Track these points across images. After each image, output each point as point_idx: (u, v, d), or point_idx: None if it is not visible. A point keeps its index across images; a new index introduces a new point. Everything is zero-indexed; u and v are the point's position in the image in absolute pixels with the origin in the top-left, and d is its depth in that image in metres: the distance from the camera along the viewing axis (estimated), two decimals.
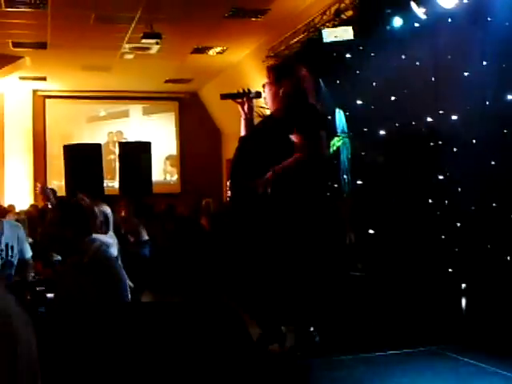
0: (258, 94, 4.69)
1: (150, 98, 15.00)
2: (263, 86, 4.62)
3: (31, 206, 10.60)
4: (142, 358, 2.72)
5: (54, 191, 9.96)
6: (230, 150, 13.42)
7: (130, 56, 11.11)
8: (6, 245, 5.42)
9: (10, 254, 5.42)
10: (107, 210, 5.03)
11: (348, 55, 7.76)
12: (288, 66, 4.61)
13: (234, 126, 4.92)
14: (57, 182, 13.03)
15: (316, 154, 4.28)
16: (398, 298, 5.65)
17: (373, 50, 7.35)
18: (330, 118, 6.98)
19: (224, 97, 4.78)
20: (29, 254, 5.52)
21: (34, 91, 14.30)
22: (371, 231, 6.67)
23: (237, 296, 4.82)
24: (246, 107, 4.67)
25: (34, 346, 1.21)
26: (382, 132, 7.19)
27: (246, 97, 4.65)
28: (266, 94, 4.59)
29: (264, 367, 3.16)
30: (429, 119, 6.63)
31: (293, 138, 4.29)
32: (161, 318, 2.91)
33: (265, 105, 4.83)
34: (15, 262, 5.40)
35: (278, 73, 4.52)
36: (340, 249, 6.69)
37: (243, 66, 11.54)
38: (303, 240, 4.34)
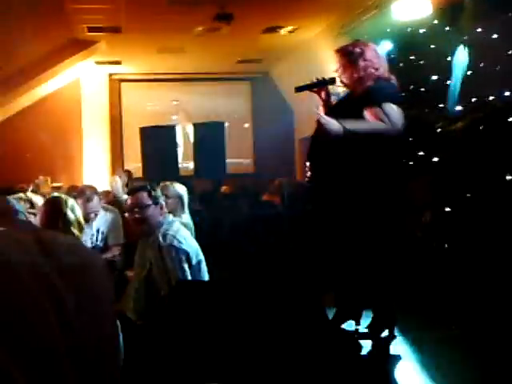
0: (333, 80, 4.69)
1: (223, 79, 15.05)
2: (336, 70, 4.62)
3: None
4: (222, 336, 2.78)
5: (129, 173, 10.18)
6: (302, 129, 13.43)
7: (203, 37, 11.15)
8: (97, 230, 5.59)
9: (99, 238, 5.59)
10: (182, 190, 5.11)
11: (423, 30, 7.62)
12: (357, 45, 4.57)
13: (306, 105, 4.93)
14: (134, 163, 13.30)
15: (388, 128, 4.24)
16: (478, 277, 5.56)
17: (448, 25, 7.19)
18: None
19: (299, 89, 4.80)
20: (114, 241, 5.66)
21: (110, 75, 14.57)
22: (448, 209, 6.54)
23: (317, 275, 4.85)
24: (323, 94, 4.72)
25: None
26: (458, 108, 7.03)
27: (321, 85, 4.69)
28: (339, 75, 4.60)
29: (338, 345, 3.17)
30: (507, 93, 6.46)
31: (366, 114, 4.27)
32: (237, 296, 2.96)
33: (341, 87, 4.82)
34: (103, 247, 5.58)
35: (348, 54, 4.52)
36: (416, 228, 6.61)
37: (315, 44, 11.44)
38: (380, 221, 4.32)
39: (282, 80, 14.54)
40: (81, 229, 3.84)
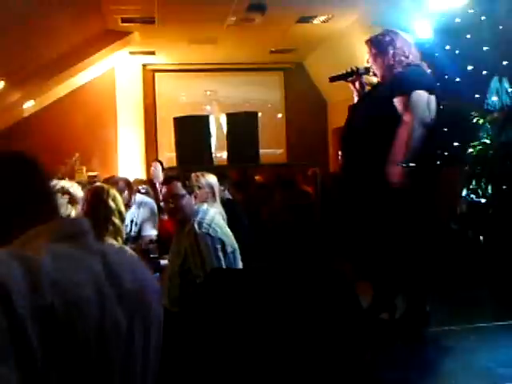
0: (367, 70, 4.73)
1: (256, 69, 15.03)
2: (367, 61, 4.66)
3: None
4: (254, 322, 2.81)
5: (161, 163, 10.28)
6: (335, 119, 13.41)
7: (236, 28, 11.17)
8: (131, 221, 5.65)
9: (133, 229, 5.65)
10: (213, 180, 5.14)
11: (458, 19, 7.53)
12: (387, 34, 4.59)
13: (339, 95, 4.96)
14: (168, 153, 13.38)
15: (417, 116, 4.23)
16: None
17: (484, 14, 7.11)
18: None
19: (333, 79, 4.85)
20: (147, 232, 5.71)
21: (144, 65, 14.66)
22: (483, 200, 6.49)
23: (354, 263, 4.86)
24: (357, 84, 4.75)
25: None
26: (494, 98, 6.95)
27: (354, 75, 4.73)
28: (371, 65, 4.62)
29: (372, 334, 3.18)
30: None
31: (396, 102, 4.28)
32: (270, 283, 2.99)
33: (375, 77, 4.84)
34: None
35: (378, 43, 4.54)
36: (451, 218, 6.57)
37: (348, 34, 11.39)
38: (414, 211, 4.32)
39: (315, 70, 14.51)
40: (122, 219, 3.90)
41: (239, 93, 14.97)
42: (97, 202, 3.77)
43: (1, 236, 1.44)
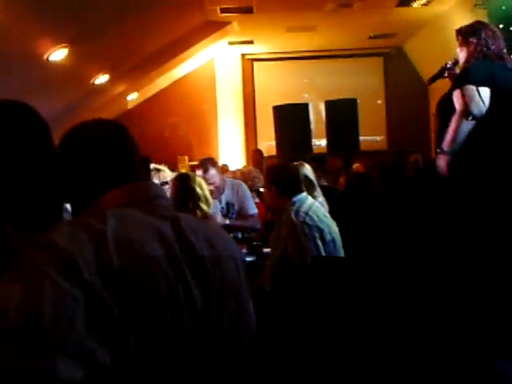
0: (455, 63, 4.75)
1: (355, 55, 14.88)
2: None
3: (244, 167, 11.06)
4: (355, 312, 2.80)
5: (260, 152, 10.38)
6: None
7: (334, 14, 11.08)
8: (227, 203, 5.77)
9: (230, 211, 5.77)
10: (308, 171, 5.15)
11: None
12: (475, 27, 4.52)
13: (441, 79, 4.90)
14: (267, 141, 13.46)
15: (466, 109, 4.17)
16: None
17: None
18: None
19: (431, 81, 4.94)
20: (252, 210, 5.82)
21: (243, 55, 14.79)
22: None
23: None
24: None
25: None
26: None
27: (446, 71, 4.76)
28: (459, 56, 4.62)
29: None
30: None
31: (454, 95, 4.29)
32: (373, 273, 2.97)
33: None
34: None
35: (465, 33, 4.52)
36: None
37: (449, 17, 11.06)
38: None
39: (416, 54, 14.20)
40: (208, 204, 4.03)
41: (338, 79, 14.84)
42: (184, 189, 3.90)
43: (83, 195, 1.52)
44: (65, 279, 1.15)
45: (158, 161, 11.50)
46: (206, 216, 4.01)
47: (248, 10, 10.79)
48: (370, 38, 13.58)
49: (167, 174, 4.93)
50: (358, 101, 10.38)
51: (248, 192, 5.93)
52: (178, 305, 1.33)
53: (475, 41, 4.39)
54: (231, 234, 5.25)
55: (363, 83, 15.02)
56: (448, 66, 4.76)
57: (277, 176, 4.27)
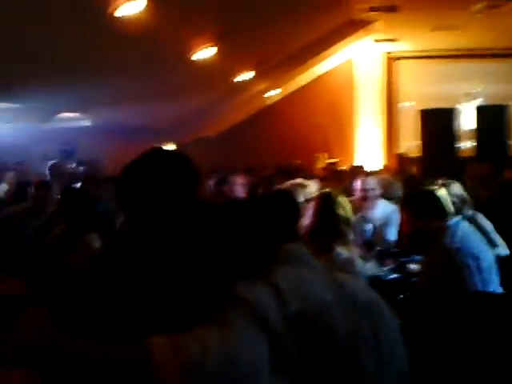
0: None
1: (503, 55, 14.11)
2: None
3: (385, 167, 10.84)
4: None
5: (404, 157, 10.12)
6: None
7: (481, 14, 10.67)
8: (374, 225, 5.61)
9: (372, 232, 5.63)
10: (458, 191, 5.01)
11: None
12: None
13: None
14: (407, 142, 13.15)
15: None
16: None
17: None
18: None
19: None
20: (392, 237, 5.65)
21: (385, 53, 14.59)
22: None
23: None
24: None
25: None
26: None
27: None
28: None
29: None
30: None
31: None
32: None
33: None
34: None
35: None
36: None
37: None
38: None
39: None
40: (350, 226, 3.95)
41: (483, 80, 14.19)
42: (325, 211, 3.84)
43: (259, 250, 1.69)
44: (253, 328, 1.37)
45: (295, 157, 11.58)
46: (344, 237, 3.88)
47: (392, 9, 10.63)
48: None
49: (312, 191, 4.86)
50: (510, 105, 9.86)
51: (395, 216, 5.68)
52: (354, 342, 1.49)
53: None
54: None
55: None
56: None
57: (427, 201, 4.10)
